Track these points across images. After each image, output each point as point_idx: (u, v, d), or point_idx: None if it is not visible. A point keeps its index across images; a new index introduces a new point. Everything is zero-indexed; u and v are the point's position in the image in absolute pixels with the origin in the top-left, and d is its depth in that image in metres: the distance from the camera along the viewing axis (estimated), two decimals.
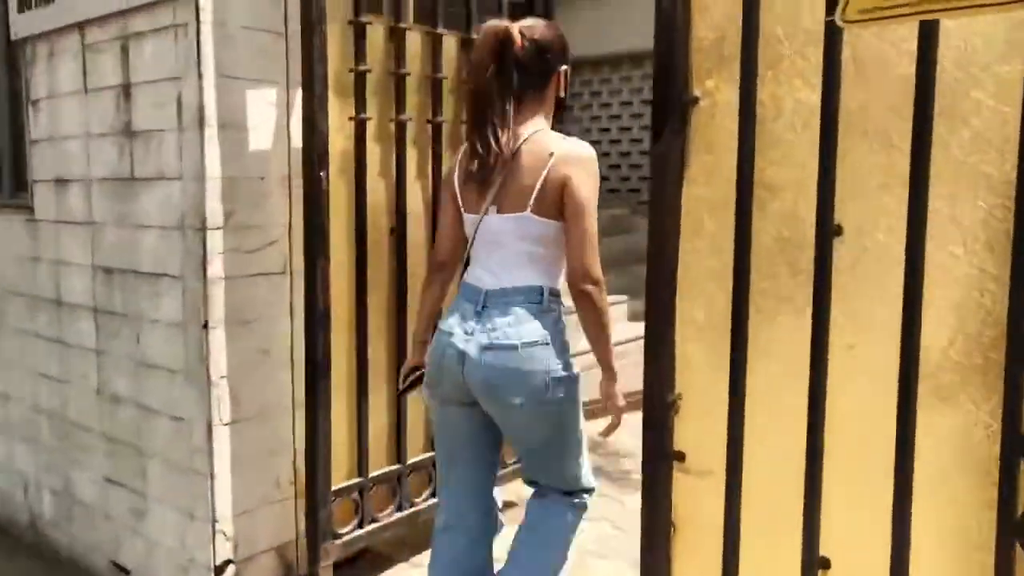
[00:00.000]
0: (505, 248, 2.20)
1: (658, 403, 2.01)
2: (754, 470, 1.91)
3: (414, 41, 3.28)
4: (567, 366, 2.16)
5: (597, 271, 2.11)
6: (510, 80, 2.16)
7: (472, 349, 2.17)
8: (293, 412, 3.12)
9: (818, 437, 1.84)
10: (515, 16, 2.66)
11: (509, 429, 2.26)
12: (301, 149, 2.87)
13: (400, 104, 3.23)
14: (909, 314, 1.72)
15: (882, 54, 1.73)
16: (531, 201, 2.14)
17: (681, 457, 2.02)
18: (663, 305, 1.99)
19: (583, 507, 2.35)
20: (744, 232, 1.92)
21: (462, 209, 2.30)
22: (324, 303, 2.92)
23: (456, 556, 2.31)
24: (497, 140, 2.14)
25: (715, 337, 1.95)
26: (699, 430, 2.00)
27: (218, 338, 2.89)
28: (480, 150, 2.16)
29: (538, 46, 2.17)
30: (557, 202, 2.12)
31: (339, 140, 3.03)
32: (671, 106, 1.93)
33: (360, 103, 3.06)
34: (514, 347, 2.13)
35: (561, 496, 2.33)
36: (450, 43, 3.39)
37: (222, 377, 2.90)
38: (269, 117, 2.99)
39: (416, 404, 3.26)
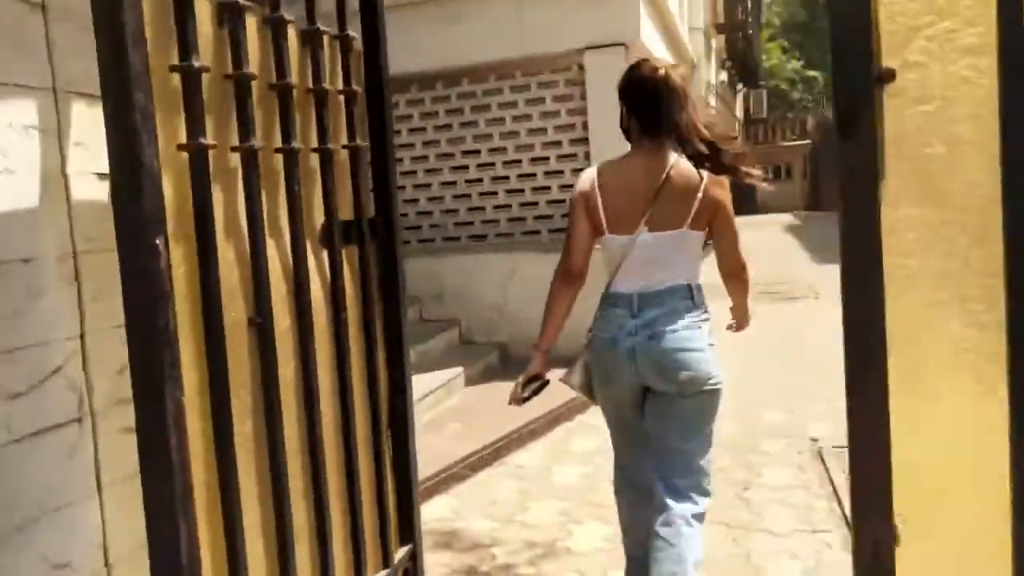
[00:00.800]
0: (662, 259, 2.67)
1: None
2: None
3: (251, 30, 1.78)
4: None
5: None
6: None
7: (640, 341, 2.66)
8: None
9: None
10: None
11: (673, 411, 2.68)
12: (111, 202, 1.52)
13: (245, 123, 1.69)
14: None
15: None
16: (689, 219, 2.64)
17: None
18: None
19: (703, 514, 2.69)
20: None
21: (605, 228, 2.69)
22: (184, 484, 1.52)
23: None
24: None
25: None
26: None
27: None
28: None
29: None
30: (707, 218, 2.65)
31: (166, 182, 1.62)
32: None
33: (195, 122, 1.61)
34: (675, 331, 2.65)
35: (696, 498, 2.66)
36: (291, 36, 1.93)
37: None
38: (28, 152, 1.78)
39: None
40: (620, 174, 2.68)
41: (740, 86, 29.64)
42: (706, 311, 2.71)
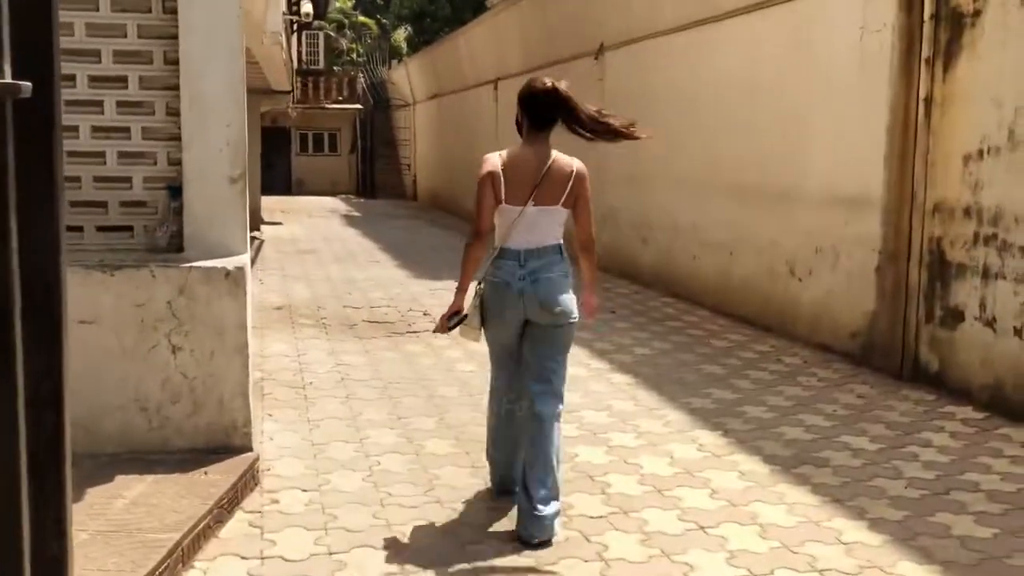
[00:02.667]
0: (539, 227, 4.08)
1: None
2: None
3: None
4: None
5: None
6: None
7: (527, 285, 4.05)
8: None
9: None
10: None
11: (546, 337, 4.13)
12: None
13: None
14: None
15: None
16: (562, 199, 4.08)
17: None
18: None
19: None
20: None
21: (504, 200, 4.03)
22: None
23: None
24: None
25: None
26: None
27: None
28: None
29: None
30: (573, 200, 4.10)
31: None
32: None
33: None
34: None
35: (557, 401, 4.15)
36: None
37: None
38: None
39: None
40: (516, 160, 4.06)
41: (307, 14, 25.64)
42: (569, 265, 4.15)
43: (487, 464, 4.60)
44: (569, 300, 4.12)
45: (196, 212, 4.57)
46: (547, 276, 4.05)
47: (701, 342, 8.18)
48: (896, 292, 6.97)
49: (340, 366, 7.17)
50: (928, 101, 6.65)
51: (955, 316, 6.45)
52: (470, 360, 7.38)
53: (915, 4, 6.78)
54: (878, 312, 7.15)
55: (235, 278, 4.48)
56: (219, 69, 4.53)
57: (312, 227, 19.54)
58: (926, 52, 6.67)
